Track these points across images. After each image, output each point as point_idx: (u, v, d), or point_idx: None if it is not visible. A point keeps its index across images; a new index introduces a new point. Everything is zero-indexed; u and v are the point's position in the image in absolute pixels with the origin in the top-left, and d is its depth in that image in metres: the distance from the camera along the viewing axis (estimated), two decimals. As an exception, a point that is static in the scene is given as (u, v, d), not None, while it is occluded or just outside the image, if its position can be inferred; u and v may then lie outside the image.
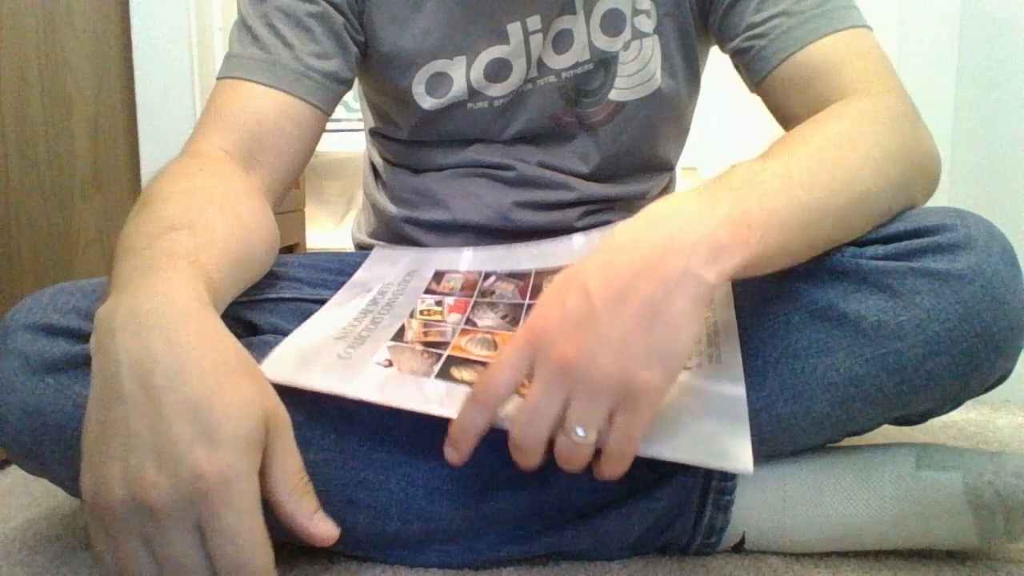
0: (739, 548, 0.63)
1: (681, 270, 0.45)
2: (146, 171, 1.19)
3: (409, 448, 0.59)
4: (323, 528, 0.43)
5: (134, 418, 0.39)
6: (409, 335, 0.61)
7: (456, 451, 0.49)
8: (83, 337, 0.55)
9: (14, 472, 0.85)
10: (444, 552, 0.61)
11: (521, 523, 0.60)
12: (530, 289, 0.69)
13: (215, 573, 0.39)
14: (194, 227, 0.51)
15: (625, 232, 0.49)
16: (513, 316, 0.65)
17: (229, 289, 0.53)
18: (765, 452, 0.60)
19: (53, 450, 0.54)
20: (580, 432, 0.45)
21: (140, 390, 0.40)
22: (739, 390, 0.51)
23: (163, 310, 0.42)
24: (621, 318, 0.44)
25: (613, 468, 0.47)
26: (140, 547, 0.39)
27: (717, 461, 0.48)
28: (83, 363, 0.54)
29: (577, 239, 0.75)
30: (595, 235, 0.75)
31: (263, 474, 0.41)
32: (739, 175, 0.51)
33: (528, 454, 0.47)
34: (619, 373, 0.44)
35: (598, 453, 0.47)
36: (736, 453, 0.47)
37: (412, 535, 0.60)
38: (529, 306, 0.66)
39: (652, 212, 0.49)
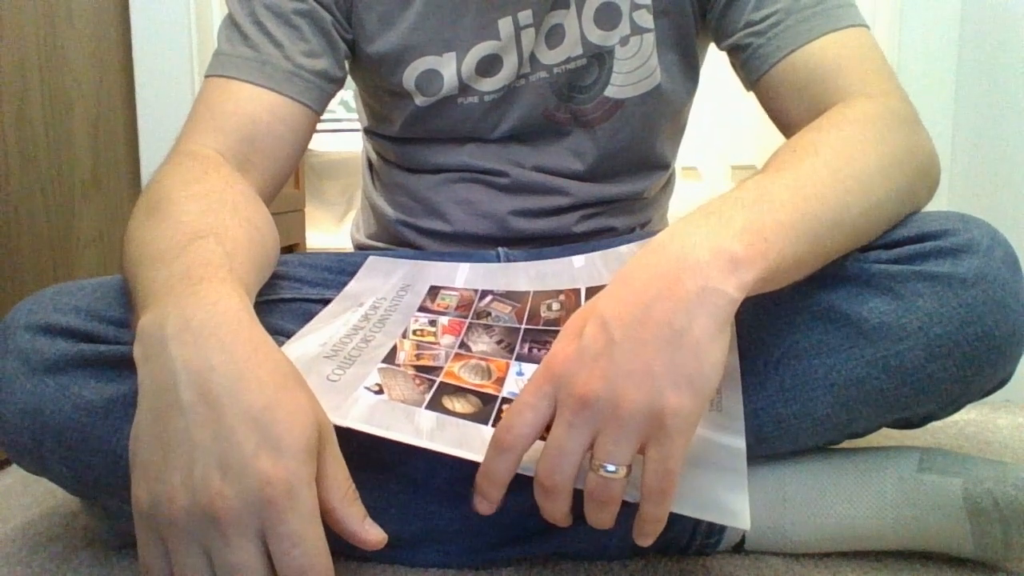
0: (739, 548, 0.63)
1: (699, 287, 0.44)
2: (146, 171, 1.19)
3: (408, 449, 0.58)
4: (373, 533, 0.43)
5: (195, 428, 0.39)
6: (401, 356, 0.60)
7: (486, 499, 0.47)
8: (83, 337, 0.55)
9: (14, 472, 0.85)
10: (444, 552, 0.61)
11: (521, 523, 0.60)
12: (527, 313, 0.67)
13: None
14: (219, 234, 0.51)
15: (638, 258, 0.48)
16: (508, 341, 0.63)
17: (255, 294, 0.52)
18: (766, 453, 0.60)
19: (53, 450, 0.54)
20: (610, 468, 0.43)
21: (200, 400, 0.40)
22: (739, 443, 0.50)
23: (215, 321, 0.42)
24: (642, 345, 0.43)
25: (654, 509, 0.44)
26: (199, 557, 0.39)
27: (714, 515, 0.47)
28: (83, 363, 0.54)
29: (577, 260, 0.74)
30: (596, 256, 0.73)
31: (316, 482, 0.41)
32: (749, 191, 0.50)
33: (557, 496, 0.45)
34: (646, 403, 0.42)
35: (634, 509, 0.45)
36: (734, 508, 0.46)
37: (412, 535, 0.60)
38: (525, 331, 0.65)
39: (663, 236, 0.48)
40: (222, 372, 0.40)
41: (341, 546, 0.43)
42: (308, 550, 0.39)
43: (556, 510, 0.46)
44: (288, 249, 1.70)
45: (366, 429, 0.50)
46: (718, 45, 0.76)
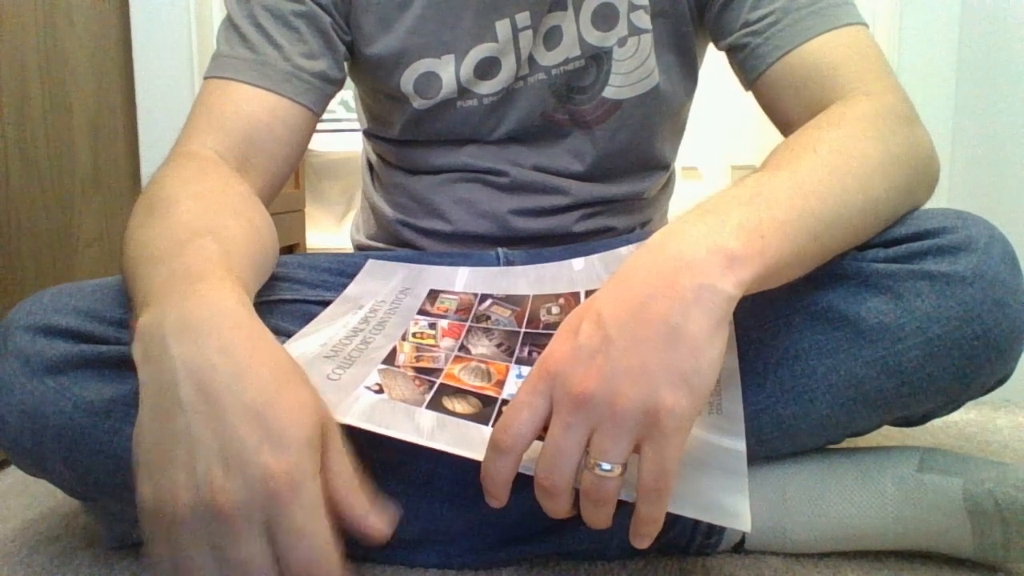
0: (739, 548, 0.63)
1: (696, 285, 0.44)
2: (146, 171, 1.19)
3: (408, 449, 0.58)
4: (379, 523, 0.43)
5: (197, 424, 0.39)
6: (401, 359, 0.60)
7: (495, 499, 0.47)
8: (83, 338, 0.55)
9: (14, 472, 0.86)
10: (444, 552, 0.61)
11: (521, 523, 0.60)
12: (527, 317, 0.67)
13: (282, 573, 0.39)
14: (217, 233, 0.50)
15: (635, 257, 0.48)
16: (508, 345, 0.63)
17: (254, 294, 0.52)
18: (766, 453, 0.60)
19: (53, 451, 0.54)
20: (605, 467, 0.43)
21: (201, 398, 0.40)
22: (739, 445, 0.50)
23: (215, 318, 0.42)
24: (638, 342, 0.43)
25: (650, 509, 0.44)
26: (205, 553, 0.39)
27: (715, 517, 0.47)
28: (83, 364, 0.54)
29: (576, 263, 0.73)
30: (596, 259, 0.73)
31: (321, 476, 0.41)
32: (747, 188, 0.50)
33: (557, 497, 0.45)
34: (641, 400, 0.42)
35: (631, 510, 0.45)
36: (735, 509, 0.46)
37: (412, 535, 0.60)
38: (525, 335, 0.65)
39: (659, 235, 0.48)
40: (222, 370, 0.40)
41: (341, 546, 0.43)
42: (314, 543, 0.39)
43: (558, 509, 0.46)
44: (288, 249, 1.70)
45: (367, 427, 0.50)
46: (716, 45, 0.76)
